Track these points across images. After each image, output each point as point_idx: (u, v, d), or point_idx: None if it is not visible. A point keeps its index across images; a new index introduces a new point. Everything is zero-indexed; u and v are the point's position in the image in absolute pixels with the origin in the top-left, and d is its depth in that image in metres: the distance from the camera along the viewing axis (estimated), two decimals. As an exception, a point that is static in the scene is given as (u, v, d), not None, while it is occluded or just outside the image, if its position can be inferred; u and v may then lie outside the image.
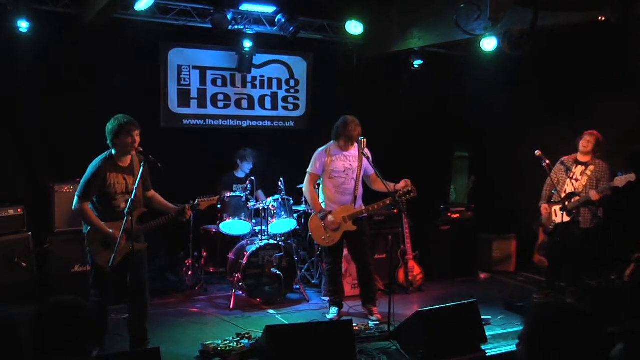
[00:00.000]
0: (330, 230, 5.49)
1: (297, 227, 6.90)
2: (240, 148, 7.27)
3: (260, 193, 7.14)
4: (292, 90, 8.05)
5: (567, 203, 5.91)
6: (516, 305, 5.93)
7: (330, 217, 5.46)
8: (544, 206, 6.27)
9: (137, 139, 4.54)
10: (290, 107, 8.07)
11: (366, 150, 5.51)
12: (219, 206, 6.47)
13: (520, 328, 5.14)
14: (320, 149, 5.66)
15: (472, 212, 7.58)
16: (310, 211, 6.48)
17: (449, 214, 7.46)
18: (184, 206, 4.75)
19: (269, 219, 6.43)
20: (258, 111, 7.83)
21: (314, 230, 5.60)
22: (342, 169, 5.54)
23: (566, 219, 5.90)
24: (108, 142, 4.53)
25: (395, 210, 6.62)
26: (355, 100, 7.86)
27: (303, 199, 6.76)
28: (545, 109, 7.37)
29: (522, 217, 7.07)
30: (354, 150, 5.61)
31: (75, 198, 4.50)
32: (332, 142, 5.67)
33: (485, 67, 7.37)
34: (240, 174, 7.28)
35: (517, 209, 7.33)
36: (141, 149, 4.59)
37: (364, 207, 5.59)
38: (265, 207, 6.41)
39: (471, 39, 6.73)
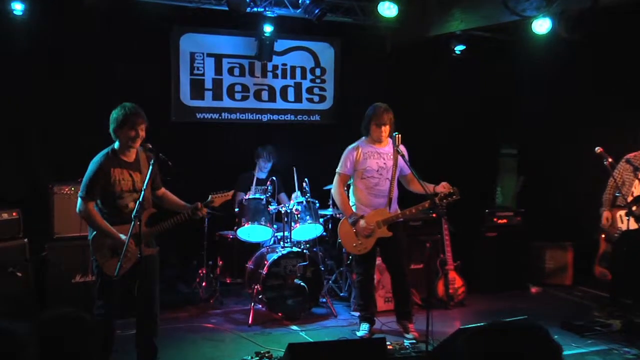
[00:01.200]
0: (363, 237, 5.45)
1: (324, 234, 6.87)
2: (260, 145, 7.28)
3: (283, 196, 7.15)
4: (317, 81, 8.05)
5: (634, 208, 5.76)
6: (574, 324, 5.82)
7: (362, 222, 5.42)
8: (605, 213, 6.14)
9: (142, 133, 4.52)
10: (316, 99, 8.07)
11: (401, 147, 5.46)
12: (236, 210, 6.51)
13: (579, 350, 5.15)
14: (350, 146, 5.63)
15: (522, 217, 7.51)
16: (338, 215, 6.46)
17: (495, 219, 7.40)
18: (196, 204, 4.75)
19: (292, 224, 6.41)
20: (280, 104, 7.85)
21: (344, 237, 5.57)
22: (376, 168, 5.50)
23: (633, 225, 5.75)
24: (110, 130, 4.51)
25: (434, 215, 6.61)
26: (388, 91, 7.80)
27: (330, 202, 6.73)
28: (606, 99, 7.23)
29: (580, 222, 6.97)
30: (388, 146, 5.57)
31: (79, 200, 4.49)
32: (363, 138, 5.63)
33: (537, 53, 7.28)
34: (260, 174, 7.25)
35: (574, 213, 7.23)
36: (150, 146, 4.58)
37: (399, 211, 5.55)
38: (288, 211, 6.40)
39: (521, 21, 6.64)
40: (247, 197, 6.51)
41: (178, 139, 6.97)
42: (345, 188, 5.75)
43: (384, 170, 5.51)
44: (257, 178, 7.24)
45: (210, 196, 4.82)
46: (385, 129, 5.47)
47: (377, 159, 5.53)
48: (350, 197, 5.67)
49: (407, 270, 5.75)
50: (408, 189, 5.69)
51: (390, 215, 5.47)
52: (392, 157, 5.54)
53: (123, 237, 4.40)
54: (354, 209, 5.57)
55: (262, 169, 7.20)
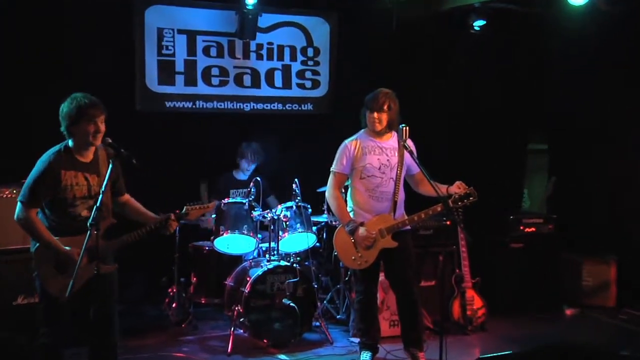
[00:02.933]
0: (363, 248, 5.42)
1: (318, 244, 6.86)
2: (243, 140, 7.27)
3: (272, 200, 7.17)
4: (310, 63, 8.03)
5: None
6: (618, 354, 5.77)
7: (362, 230, 5.39)
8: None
9: (102, 127, 4.48)
10: (308, 84, 8.05)
11: (409, 142, 5.42)
12: (213, 217, 6.48)
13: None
14: (347, 141, 5.59)
15: (554, 224, 7.50)
16: (335, 223, 6.42)
17: (522, 227, 7.39)
18: (167, 215, 4.71)
19: (280, 233, 6.40)
20: (265, 90, 7.83)
21: (341, 249, 5.54)
22: (377, 166, 5.46)
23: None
24: (62, 129, 4.47)
25: (449, 222, 6.59)
26: (394, 75, 7.77)
27: (325, 207, 6.73)
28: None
29: (626, 231, 6.95)
30: (392, 140, 5.55)
31: (18, 205, 4.44)
32: (362, 130, 5.60)
33: (571, 29, 7.27)
34: (241, 175, 7.26)
35: (617, 220, 7.22)
36: (110, 141, 4.54)
37: (406, 217, 5.53)
38: (275, 218, 6.38)
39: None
40: (225, 201, 6.50)
41: (143, 133, 6.91)
42: (343, 190, 5.72)
43: (387, 169, 5.47)
44: (238, 180, 7.24)
45: (185, 207, 4.79)
46: (381, 117, 5.42)
47: (379, 155, 5.49)
48: (348, 201, 5.63)
49: (416, 288, 5.70)
50: (417, 190, 5.67)
51: (395, 222, 5.43)
52: (397, 153, 5.51)
53: (68, 249, 4.35)
54: (352, 215, 5.53)
55: (245, 170, 7.21)
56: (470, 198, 5.25)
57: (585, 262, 7.66)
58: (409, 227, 5.58)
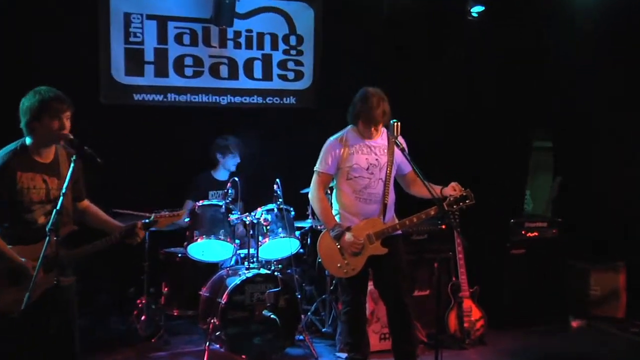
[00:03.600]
0: (349, 255, 5.41)
1: (301, 251, 6.88)
2: (219, 135, 7.27)
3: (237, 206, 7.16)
4: (292, 52, 8.03)
5: None
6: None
7: (348, 236, 5.38)
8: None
9: (67, 123, 4.42)
10: (291, 75, 8.05)
11: (400, 139, 5.42)
12: (186, 220, 6.46)
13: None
14: (332, 138, 5.59)
15: (559, 228, 7.53)
16: (320, 227, 6.39)
17: (524, 232, 7.42)
18: (133, 224, 4.66)
19: (260, 238, 6.40)
20: (243, 82, 7.83)
21: (326, 255, 5.53)
22: (365, 166, 5.46)
23: None
24: (22, 125, 4.42)
25: (444, 226, 6.61)
26: (386, 65, 7.77)
27: (309, 210, 6.74)
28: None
29: (636, 237, 6.99)
30: (381, 138, 5.55)
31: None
32: (349, 127, 5.59)
33: (579, 15, 7.29)
34: (221, 175, 7.26)
35: (628, 224, 7.24)
36: (71, 137, 4.48)
37: (397, 221, 5.52)
38: (255, 222, 6.38)
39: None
40: (200, 203, 6.50)
41: (108, 129, 6.89)
42: (328, 191, 5.73)
43: (376, 169, 5.47)
44: (217, 180, 7.22)
45: (153, 215, 4.76)
46: (378, 127, 5.46)
47: (368, 155, 5.49)
48: (333, 204, 5.63)
49: (409, 299, 5.68)
50: (408, 192, 5.67)
51: (384, 227, 5.43)
52: (386, 151, 5.51)
53: (23, 260, 4.31)
54: (337, 218, 5.53)
55: (227, 167, 7.23)
56: (467, 201, 5.25)
57: (592, 270, 7.69)
58: (400, 232, 5.58)
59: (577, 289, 7.66)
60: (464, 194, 5.25)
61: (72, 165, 4.40)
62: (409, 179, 5.63)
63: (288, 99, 8.07)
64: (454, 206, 5.23)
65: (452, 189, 5.30)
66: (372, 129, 5.45)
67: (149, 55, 7.40)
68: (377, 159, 5.49)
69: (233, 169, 7.25)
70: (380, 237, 5.42)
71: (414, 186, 5.59)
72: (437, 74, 8.12)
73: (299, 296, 6.44)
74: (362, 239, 5.39)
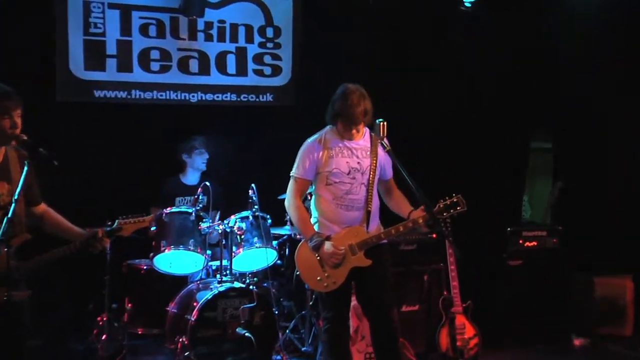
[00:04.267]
0: (330, 267, 5.38)
1: (279, 262, 6.89)
2: (186, 137, 7.28)
3: (213, 214, 7.13)
4: (269, 45, 8.04)
5: None
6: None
7: (327, 246, 5.35)
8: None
9: (19, 121, 4.42)
10: (267, 71, 8.06)
11: (385, 141, 5.42)
12: (153, 229, 6.45)
13: None
14: (310, 140, 5.56)
15: (560, 238, 7.56)
16: (299, 237, 6.38)
17: (521, 241, 7.44)
18: (95, 231, 4.65)
19: (234, 248, 6.41)
20: (216, 77, 7.83)
21: (304, 267, 5.49)
22: (346, 170, 5.44)
23: None
24: None
25: (434, 235, 6.61)
26: (371, 61, 7.79)
27: (287, 218, 6.73)
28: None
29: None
30: (363, 139, 5.52)
31: None
32: (327, 127, 5.58)
33: (581, 7, 7.31)
34: (190, 179, 7.26)
35: (634, 234, 7.28)
36: (25, 137, 4.47)
37: (382, 229, 5.50)
38: (228, 231, 6.39)
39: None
40: (168, 211, 6.49)
41: (66, 128, 6.89)
42: (309, 197, 5.71)
43: (358, 173, 5.44)
44: (185, 185, 7.22)
45: (117, 221, 4.75)
46: (359, 127, 5.44)
47: (349, 158, 5.46)
48: (312, 211, 5.61)
49: (395, 315, 5.65)
50: (386, 202, 5.64)
51: (368, 236, 5.40)
52: (369, 153, 5.50)
53: None
54: (316, 227, 5.50)
55: (196, 166, 7.23)
56: (458, 207, 5.23)
57: (597, 282, 7.71)
58: (385, 242, 5.55)
59: (580, 304, 7.67)
60: (455, 200, 5.24)
61: (25, 168, 4.39)
62: (387, 187, 5.61)
63: (265, 96, 8.06)
64: (444, 213, 5.23)
65: (419, 216, 5.29)
66: (353, 129, 5.43)
67: (111, 48, 7.37)
68: (359, 162, 5.46)
69: (203, 167, 7.23)
70: (364, 248, 5.39)
71: (390, 196, 5.58)
72: (429, 70, 8.16)
73: (277, 312, 6.43)
74: (343, 249, 5.37)
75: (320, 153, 5.46)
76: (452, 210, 5.24)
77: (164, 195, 7.17)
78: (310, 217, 5.57)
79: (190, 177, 7.27)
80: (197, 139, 7.24)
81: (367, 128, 5.51)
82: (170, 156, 7.35)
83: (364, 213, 5.46)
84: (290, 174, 5.53)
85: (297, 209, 5.50)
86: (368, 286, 5.54)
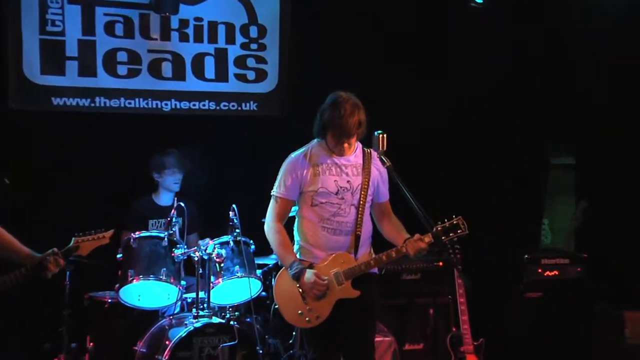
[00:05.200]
0: (312, 299, 5.38)
1: (263, 294, 6.87)
2: (158, 150, 7.28)
3: (192, 238, 7.18)
4: (253, 46, 8.05)
5: None
6: None
7: (308, 275, 5.31)
8: None
9: None
10: (251, 75, 8.07)
11: (383, 158, 5.39)
12: (119, 256, 6.44)
13: None
14: (294, 155, 5.54)
15: (583, 266, 7.57)
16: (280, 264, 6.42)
17: (541, 270, 7.46)
18: (48, 252, 4.64)
19: (213, 278, 6.40)
20: (192, 83, 7.83)
21: (283, 300, 5.47)
22: (334, 190, 5.41)
23: None
24: None
25: (441, 263, 6.59)
26: (368, 64, 7.80)
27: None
28: None
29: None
30: (354, 155, 5.51)
31: None
32: (314, 141, 5.57)
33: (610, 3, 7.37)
34: (163, 199, 7.24)
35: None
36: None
37: (373, 255, 5.49)
38: (206, 258, 6.36)
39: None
40: (136, 235, 6.46)
41: (20, 140, 6.88)
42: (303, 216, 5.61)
43: (348, 193, 5.42)
44: (159, 206, 7.20)
45: (73, 239, 4.74)
46: (352, 141, 5.41)
47: (337, 176, 5.43)
48: (295, 235, 5.60)
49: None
50: (379, 228, 5.63)
51: (356, 264, 5.39)
52: (361, 171, 5.48)
53: None
54: (298, 255, 5.49)
55: (167, 187, 7.20)
56: (458, 231, 5.19)
57: (628, 318, 7.68)
58: (375, 271, 5.54)
59: (608, 340, 7.68)
60: (455, 222, 5.20)
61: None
62: (381, 210, 5.59)
63: (247, 104, 8.06)
64: (442, 238, 5.19)
65: (415, 244, 5.24)
66: (345, 143, 5.39)
67: (72, 49, 7.36)
68: (349, 181, 5.42)
69: (175, 188, 7.17)
70: (351, 277, 5.36)
71: (383, 222, 5.57)
72: (433, 75, 8.18)
73: (261, 351, 6.43)
74: (326, 279, 5.32)
75: (306, 170, 5.44)
76: (451, 234, 5.19)
77: (134, 217, 7.14)
78: (292, 241, 5.56)
79: (164, 198, 7.23)
80: (169, 155, 7.20)
81: (359, 142, 5.48)
82: (141, 173, 7.33)
83: (352, 238, 5.45)
84: (271, 193, 5.53)
85: (277, 233, 5.48)
86: (353, 323, 5.48)
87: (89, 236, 4.79)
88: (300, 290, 5.34)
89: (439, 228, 5.19)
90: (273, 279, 6.88)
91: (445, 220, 5.21)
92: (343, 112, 5.29)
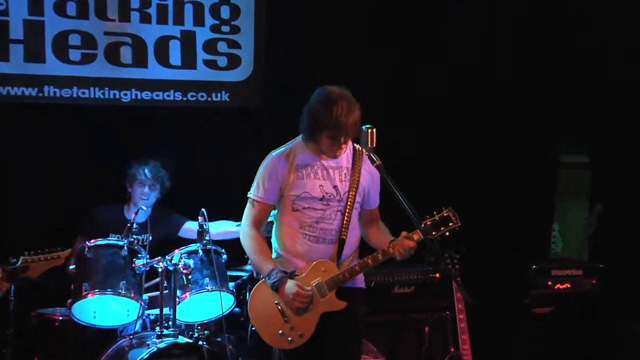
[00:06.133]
0: (293, 314, 5.38)
1: (237, 310, 6.87)
2: (120, 148, 7.30)
3: (188, 226, 7.21)
4: (225, 28, 8.05)
5: None
6: None
7: (290, 285, 5.29)
8: None
9: None
10: (222, 62, 8.07)
11: (372, 156, 5.38)
12: (72, 267, 6.39)
13: None
14: (275, 153, 5.53)
15: (599, 278, 7.59)
16: (260, 276, 6.41)
17: (551, 283, 7.48)
18: None
19: (179, 293, 6.38)
20: (155, 70, 7.83)
21: (260, 319, 5.46)
22: (319, 195, 5.40)
23: None
24: None
25: (438, 275, 6.60)
26: (360, 51, 7.81)
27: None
28: None
29: None
30: (345, 156, 5.50)
31: None
32: (298, 138, 5.56)
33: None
34: (137, 215, 7.06)
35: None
36: None
37: (358, 261, 5.47)
38: (171, 269, 6.35)
39: None
40: (91, 243, 6.41)
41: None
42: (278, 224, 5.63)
43: (334, 199, 5.41)
44: (128, 220, 7.09)
45: (21, 258, 4.73)
46: (347, 140, 5.39)
47: (323, 180, 5.43)
48: (273, 242, 5.60)
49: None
50: (364, 234, 5.64)
51: (339, 271, 5.39)
52: (351, 174, 5.49)
53: None
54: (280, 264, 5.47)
55: (136, 203, 7.14)
56: (450, 224, 5.23)
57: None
58: (362, 285, 5.57)
59: (629, 361, 7.72)
60: (445, 214, 5.23)
61: None
62: (370, 218, 5.62)
63: (219, 94, 8.04)
64: (433, 233, 5.21)
65: (402, 245, 5.25)
66: (342, 144, 5.39)
67: (17, 31, 7.34)
68: (335, 187, 5.43)
69: (142, 204, 7.04)
70: (335, 287, 5.36)
71: (370, 229, 5.59)
72: (429, 61, 8.20)
73: (236, 377, 6.44)
74: (310, 289, 5.32)
75: (287, 171, 5.42)
76: (442, 229, 5.23)
77: (94, 224, 7.10)
78: (270, 248, 5.54)
79: (140, 214, 7.05)
80: (145, 165, 7.15)
81: (350, 143, 5.47)
82: (97, 174, 7.33)
83: (336, 246, 5.45)
84: (248, 195, 5.51)
85: (252, 239, 5.47)
86: (333, 340, 5.49)
87: (41, 255, 4.77)
88: (279, 306, 5.32)
89: (427, 223, 5.19)
90: (248, 293, 6.90)
91: (435, 213, 5.23)
92: (340, 111, 5.24)
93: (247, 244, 5.49)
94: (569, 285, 7.50)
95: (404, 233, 5.27)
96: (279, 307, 5.34)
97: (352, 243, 5.50)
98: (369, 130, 5.36)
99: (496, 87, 8.31)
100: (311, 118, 5.35)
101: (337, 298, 5.37)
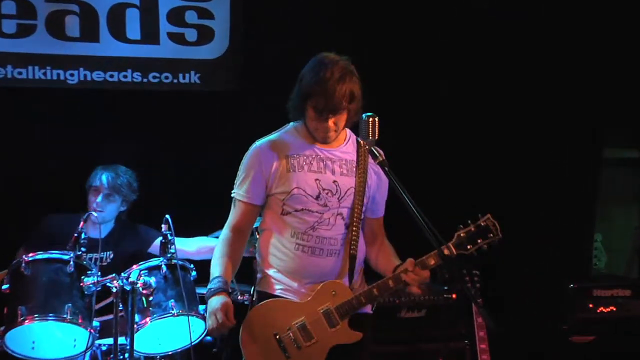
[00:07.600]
0: (295, 352, 5.36)
1: (208, 339, 6.90)
2: (66, 142, 7.33)
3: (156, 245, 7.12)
4: (193, -1, 8.07)
5: None
6: None
7: (216, 301, 5.21)
8: None
9: None
10: (191, 35, 8.10)
11: (374, 151, 5.34)
12: (5, 287, 6.34)
13: None
14: (259, 143, 5.50)
15: (652, 299, 7.62)
16: (242, 299, 6.48)
17: (592, 305, 7.49)
18: None
19: (138, 318, 6.30)
20: (108, 46, 7.86)
21: (254, 354, 5.38)
22: (315, 192, 5.37)
23: None
24: None
25: (454, 296, 6.59)
26: (355, 25, 7.82)
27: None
28: None
29: None
30: (345, 145, 5.49)
31: None
32: (290, 125, 5.54)
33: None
34: (93, 231, 6.98)
35: None
36: None
37: (366, 286, 5.44)
38: (128, 289, 6.27)
39: None
40: (29, 257, 6.35)
41: None
42: (257, 233, 5.68)
43: (334, 197, 5.38)
44: (89, 238, 7.08)
45: None
46: (339, 119, 5.34)
47: (319, 173, 5.40)
48: (257, 260, 5.57)
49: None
50: (367, 253, 5.61)
51: (352, 295, 5.34)
52: (355, 169, 5.47)
53: None
54: (263, 286, 5.46)
55: (98, 209, 7.10)
56: (490, 235, 5.16)
57: None
58: (368, 310, 5.51)
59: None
60: (482, 223, 5.16)
61: None
62: (372, 231, 5.59)
63: (187, 75, 8.07)
64: (468, 247, 5.15)
65: (411, 275, 5.19)
66: (330, 120, 5.30)
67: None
68: (335, 182, 5.39)
69: (93, 218, 6.98)
70: (347, 315, 5.31)
71: (374, 245, 5.58)
72: (442, 36, 8.28)
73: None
74: (313, 318, 5.28)
75: (275, 163, 5.38)
76: (479, 241, 5.17)
77: (43, 234, 7.16)
78: (258, 269, 5.51)
79: (95, 229, 7.00)
80: (104, 170, 7.16)
81: (351, 132, 5.45)
82: (44, 174, 7.35)
83: (343, 259, 5.41)
84: (232, 194, 5.49)
85: (222, 242, 5.45)
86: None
87: None
88: (278, 336, 5.27)
89: (462, 234, 5.13)
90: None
91: (469, 222, 5.15)
92: (329, 75, 5.19)
93: (216, 248, 5.48)
94: (614, 309, 7.53)
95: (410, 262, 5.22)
96: (277, 337, 5.29)
97: (361, 259, 5.47)
98: (370, 119, 5.24)
99: (535, 78, 8.34)
100: (298, 86, 5.34)
101: (350, 327, 5.29)
